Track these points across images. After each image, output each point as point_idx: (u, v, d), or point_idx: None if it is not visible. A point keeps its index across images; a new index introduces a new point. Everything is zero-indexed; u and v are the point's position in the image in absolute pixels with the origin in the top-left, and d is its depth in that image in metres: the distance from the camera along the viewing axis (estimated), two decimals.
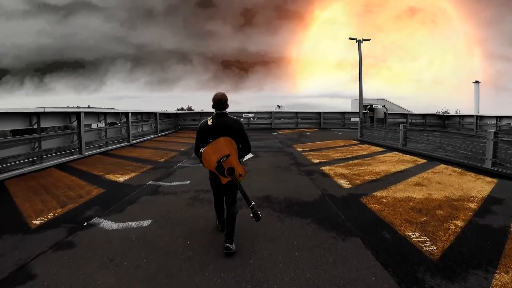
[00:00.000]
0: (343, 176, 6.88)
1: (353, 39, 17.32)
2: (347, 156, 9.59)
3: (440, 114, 27.55)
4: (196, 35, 68.29)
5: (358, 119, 23.13)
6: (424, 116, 24.73)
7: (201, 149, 3.25)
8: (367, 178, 6.72)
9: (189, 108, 40.66)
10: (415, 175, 7.01)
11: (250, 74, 69.58)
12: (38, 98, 58.73)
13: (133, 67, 66.77)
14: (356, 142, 13.31)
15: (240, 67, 69.63)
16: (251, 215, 3.15)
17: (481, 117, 21.36)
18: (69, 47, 62.31)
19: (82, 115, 10.31)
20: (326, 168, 7.66)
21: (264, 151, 10.80)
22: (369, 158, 9.27)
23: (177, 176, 6.99)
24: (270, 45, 75.26)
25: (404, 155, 10.01)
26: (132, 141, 13.61)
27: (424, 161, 8.91)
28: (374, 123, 22.38)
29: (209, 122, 3.32)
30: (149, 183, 6.38)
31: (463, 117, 23.63)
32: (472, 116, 22.21)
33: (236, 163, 3.23)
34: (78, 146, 10.20)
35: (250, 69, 69.65)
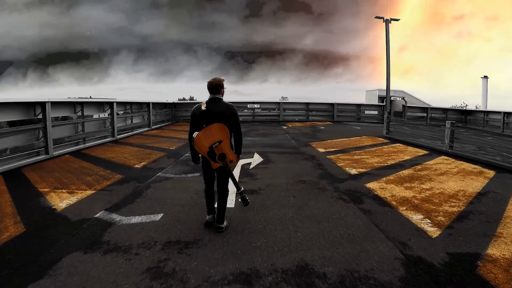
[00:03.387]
0: (409, 204, 4.20)
1: (380, 18, 14.27)
2: (389, 163, 6.86)
3: (462, 109, 24.51)
4: (201, 26, 64.72)
5: (374, 112, 20.34)
6: (445, 110, 21.77)
7: (194, 134, 3.13)
8: (448, 208, 4.06)
9: (191, 99, 37.58)
10: (509, 202, 4.36)
11: (255, 65, 66.21)
12: (41, 90, 55.89)
13: (137, 58, 63.53)
14: (386, 141, 10.52)
15: (245, 58, 66.30)
16: (240, 199, 3.17)
17: (508, 114, 18.36)
18: (73, 38, 58.99)
19: (48, 106, 7.65)
20: (375, 187, 4.95)
21: (276, 152, 8.06)
22: (419, 167, 6.56)
23: (147, 200, 4.31)
24: (276, 37, 71.48)
25: (457, 161, 7.30)
26: (118, 136, 10.94)
27: (491, 172, 6.26)
28: (391, 116, 19.48)
29: (203, 107, 3.20)
30: (98, 215, 3.75)
31: (487, 113, 20.68)
32: (498, 113, 19.19)
33: (228, 149, 3.12)
34: (44, 145, 7.61)
35: (255, 60, 66.27)
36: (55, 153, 7.83)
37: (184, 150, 8.14)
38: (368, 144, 9.72)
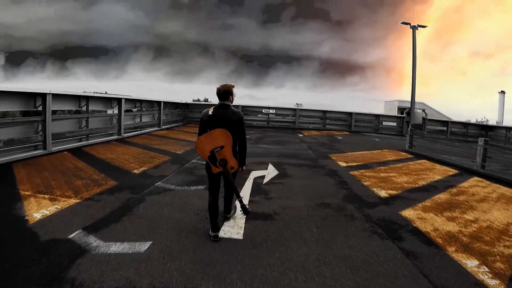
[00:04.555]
0: (458, 243, 3.35)
1: (406, 24, 13.28)
2: (420, 183, 5.95)
3: (483, 124, 23.17)
4: (219, 28, 64.50)
5: (393, 124, 19.28)
6: (465, 125, 20.53)
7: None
8: (503, 250, 3.33)
9: (206, 100, 36.91)
10: None
11: (271, 70, 65.41)
12: (58, 82, 56.24)
13: (155, 57, 63.52)
14: (409, 156, 9.55)
15: (261, 62, 65.59)
16: (240, 209, 3.06)
17: None
18: (93, 33, 59.57)
19: (49, 98, 7.05)
20: (413, 216, 4.06)
21: (293, 164, 7.20)
22: (455, 190, 5.64)
23: (137, 219, 3.53)
24: (293, 43, 70.60)
25: (492, 183, 6.40)
26: (125, 134, 10.31)
27: None
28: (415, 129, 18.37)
29: (210, 112, 3.17)
30: (73, 236, 3.03)
31: (509, 129, 19.40)
32: None
33: (230, 155, 3.06)
34: (42, 139, 6.98)
35: (272, 65, 65.48)
36: (53, 148, 7.25)
37: (191, 156, 7.38)
38: (391, 159, 8.78)
